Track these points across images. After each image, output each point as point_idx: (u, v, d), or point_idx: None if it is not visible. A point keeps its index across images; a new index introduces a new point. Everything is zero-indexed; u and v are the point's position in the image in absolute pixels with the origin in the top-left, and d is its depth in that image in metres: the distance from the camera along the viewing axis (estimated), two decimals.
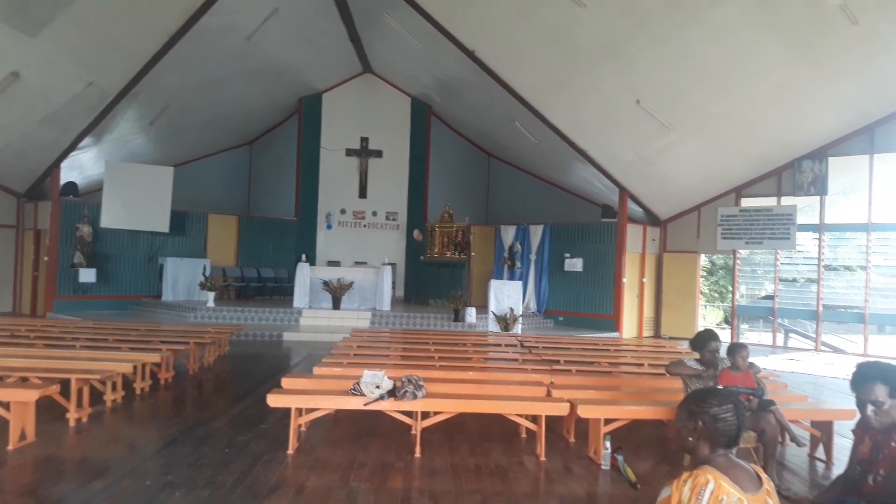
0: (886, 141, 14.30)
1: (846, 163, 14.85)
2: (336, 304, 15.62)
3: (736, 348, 5.61)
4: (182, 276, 16.78)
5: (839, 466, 5.96)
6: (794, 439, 5.60)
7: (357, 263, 18.59)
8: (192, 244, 17.99)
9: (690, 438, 2.06)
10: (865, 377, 3.02)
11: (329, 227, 19.64)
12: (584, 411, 5.87)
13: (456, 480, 5.22)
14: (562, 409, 6.03)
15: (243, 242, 19.03)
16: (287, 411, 5.94)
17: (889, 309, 14.74)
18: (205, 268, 16.70)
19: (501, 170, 20.86)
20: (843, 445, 6.29)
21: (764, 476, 2.08)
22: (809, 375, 11.48)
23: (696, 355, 5.92)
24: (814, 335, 15.56)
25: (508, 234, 17.86)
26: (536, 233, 17.49)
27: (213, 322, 13.81)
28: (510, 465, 5.70)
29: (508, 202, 20.39)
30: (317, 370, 7.21)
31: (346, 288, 15.72)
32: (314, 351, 11.30)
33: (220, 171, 20.47)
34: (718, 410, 2.02)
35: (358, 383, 5.87)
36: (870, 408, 2.98)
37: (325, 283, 15.71)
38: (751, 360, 5.87)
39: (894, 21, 10.80)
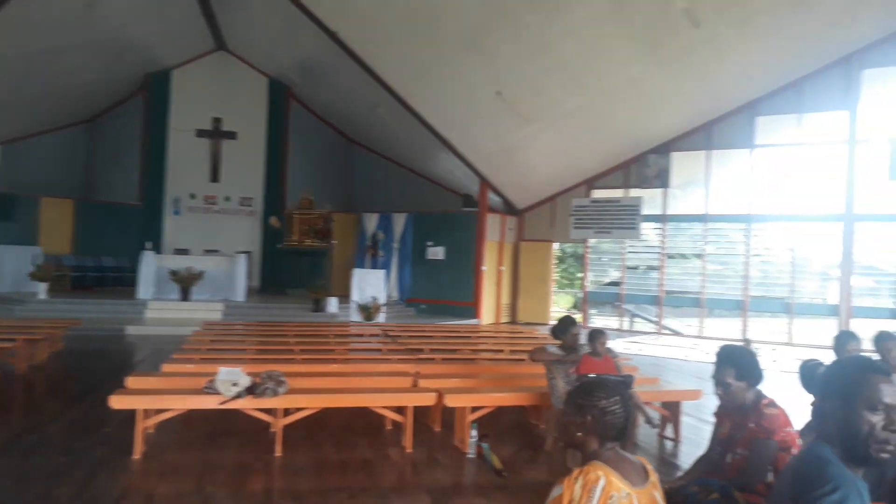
0: (722, 138, 15.51)
1: (687, 158, 15.96)
2: (185, 296, 14.70)
3: (596, 334, 5.78)
4: (8, 266, 15.11)
5: (686, 444, 6.35)
6: (648, 420, 5.87)
7: (208, 252, 17.58)
8: (22, 230, 16.23)
9: (579, 433, 2.00)
10: (720, 360, 3.16)
11: (177, 212, 18.44)
12: (451, 400, 5.84)
13: (320, 478, 5.00)
14: (429, 399, 5.96)
15: (81, 228, 17.43)
16: (132, 413, 5.42)
17: (721, 294, 16.06)
18: (36, 256, 15.12)
19: (364, 156, 20.57)
20: (688, 424, 6.70)
21: (650, 468, 2.08)
22: (653, 357, 12.23)
23: (558, 341, 6.06)
24: (656, 319, 16.68)
25: (371, 221, 17.65)
26: (399, 221, 17.40)
27: (46, 316, 12.51)
28: (376, 458, 5.55)
29: (371, 190, 20.15)
30: (165, 367, 6.67)
31: (196, 278, 14.83)
32: (162, 346, 10.52)
33: (55, 150, 18.59)
34: (607, 403, 1.98)
35: (213, 381, 5.47)
36: (719, 389, 3.11)
37: (173, 273, 14.73)
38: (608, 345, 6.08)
39: (731, 26, 11.68)
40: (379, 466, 5.36)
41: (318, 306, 14.64)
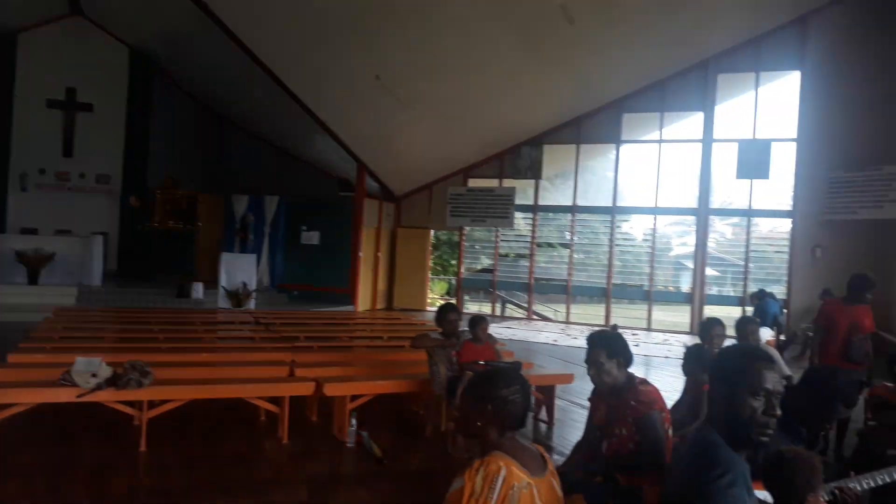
0: (591, 132, 16.19)
1: (558, 151, 16.54)
2: (33, 279, 13.48)
3: (477, 321, 5.85)
4: None
5: (559, 427, 6.58)
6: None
7: (60, 232, 16.17)
8: None
9: (479, 423, 1.98)
10: (591, 342, 3.27)
11: (24, 189, 16.83)
12: (330, 389, 5.71)
13: (189, 474, 4.74)
14: (307, 389, 5.80)
15: None
16: None
17: (586, 281, 16.84)
18: None
19: (235, 136, 19.66)
20: (561, 407, 6.96)
21: (547, 456, 2.09)
22: (525, 342, 12.62)
23: (439, 329, 6.08)
24: (526, 305, 17.23)
25: (241, 204, 16.95)
26: (272, 204, 16.84)
27: None
28: (251, 451, 5.34)
29: (242, 171, 19.28)
30: (11, 358, 6.06)
31: (45, 259, 13.62)
32: (6, 334, 9.57)
33: None
34: (508, 392, 1.97)
35: (68, 372, 5.03)
36: (592, 369, 3.21)
37: (19, 254, 13.45)
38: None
39: (603, 25, 12.19)
40: (253, 460, 5.16)
41: (183, 292, 13.89)
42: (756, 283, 14.34)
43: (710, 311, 15.38)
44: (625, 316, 16.39)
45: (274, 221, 16.78)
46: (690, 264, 15.97)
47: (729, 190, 15.40)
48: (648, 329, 15.49)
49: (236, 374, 6.10)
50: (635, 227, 16.98)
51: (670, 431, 3.14)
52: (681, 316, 16.13)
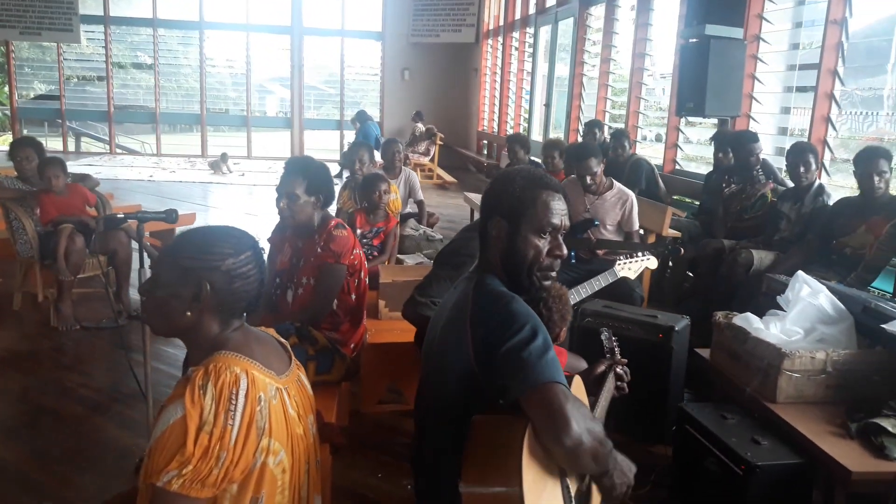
0: None
1: None
2: None
3: (48, 164, 4.44)
4: None
5: None
6: (150, 255, 5.03)
7: None
8: None
9: (188, 313, 1.24)
10: (289, 170, 2.64)
11: None
12: None
13: None
14: None
15: None
16: None
17: (174, 109, 15.17)
18: None
19: None
20: None
21: (286, 343, 1.47)
22: (113, 180, 10.89)
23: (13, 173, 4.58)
24: (107, 137, 14.88)
25: None
26: None
27: None
28: None
29: None
30: None
31: None
32: None
33: None
34: (235, 262, 1.26)
35: None
36: (283, 201, 2.59)
37: None
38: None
39: None
40: None
41: None
42: (351, 107, 14.53)
43: (311, 136, 15.34)
44: (223, 145, 15.32)
45: None
46: (282, 88, 15.45)
47: (321, 9, 14.88)
48: (249, 157, 14.79)
49: None
50: (228, 46, 15.54)
51: (353, 296, 2.73)
52: (281, 142, 15.74)
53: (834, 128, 4.40)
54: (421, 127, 12.28)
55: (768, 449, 2.23)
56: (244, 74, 14.90)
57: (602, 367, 2.00)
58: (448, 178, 11.22)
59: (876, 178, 3.50)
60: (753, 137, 4.45)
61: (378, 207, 4.25)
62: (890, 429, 2.16)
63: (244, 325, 1.39)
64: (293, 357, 1.47)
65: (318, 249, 2.61)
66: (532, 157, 6.23)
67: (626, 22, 7.47)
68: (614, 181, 4.11)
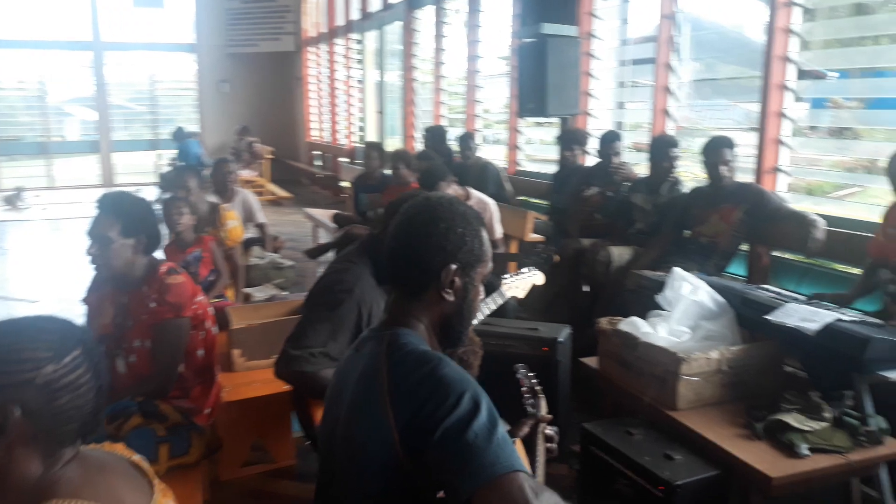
0: None
1: None
2: None
3: None
4: None
5: None
6: None
7: None
8: None
9: None
10: (101, 209, 2.13)
11: None
12: None
13: None
14: None
15: None
16: None
17: None
18: None
19: None
20: None
21: (149, 468, 1.04)
22: None
23: None
24: None
25: None
26: None
27: None
28: None
29: None
30: None
31: None
32: None
33: None
34: (56, 370, 0.82)
35: None
36: (94, 247, 2.08)
37: None
38: None
39: None
40: None
41: None
42: (165, 125, 13.35)
43: (121, 158, 13.98)
44: (19, 176, 13.42)
45: None
46: (85, 108, 13.99)
47: (125, 22, 13.53)
48: (52, 188, 13.11)
49: None
50: (14, 66, 13.75)
51: (202, 352, 2.26)
52: (89, 167, 14.13)
53: (673, 119, 4.51)
54: (248, 141, 11.57)
55: (683, 464, 2.11)
56: (38, 96, 13.27)
57: (526, 429, 1.64)
58: (282, 192, 10.63)
59: (722, 168, 3.58)
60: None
61: (179, 235, 3.61)
62: (794, 424, 2.11)
63: (79, 452, 0.96)
64: (153, 480, 1.06)
65: (151, 304, 2.13)
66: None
67: (456, 25, 7.39)
68: (471, 191, 3.92)
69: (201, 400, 2.25)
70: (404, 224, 1.28)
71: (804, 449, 2.03)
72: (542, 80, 4.84)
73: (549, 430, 1.66)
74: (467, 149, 5.53)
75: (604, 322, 2.76)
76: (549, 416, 1.68)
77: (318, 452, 1.36)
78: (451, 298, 1.27)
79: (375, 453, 1.13)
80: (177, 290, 2.16)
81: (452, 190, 3.76)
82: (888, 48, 3.85)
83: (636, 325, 2.60)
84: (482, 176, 5.28)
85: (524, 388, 1.72)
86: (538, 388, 1.73)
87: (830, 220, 3.28)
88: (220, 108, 13.46)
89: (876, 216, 2.94)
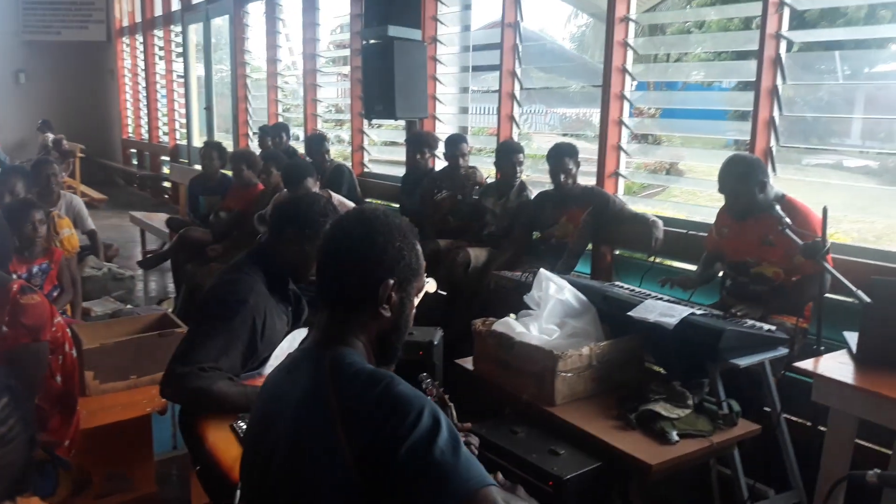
0: None
1: None
2: None
3: None
4: None
5: None
6: None
7: None
8: None
9: None
10: None
11: None
12: None
13: None
14: None
15: None
16: None
17: None
18: None
19: None
20: None
21: None
22: None
23: None
24: None
25: None
26: None
27: None
28: None
29: None
30: None
31: None
32: None
33: None
34: None
35: None
36: None
37: None
38: None
39: None
40: None
41: None
42: None
43: None
44: None
45: None
46: None
47: None
48: None
49: None
50: None
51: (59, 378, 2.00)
52: None
53: (518, 125, 4.69)
54: (50, 138, 10.42)
55: (568, 458, 2.20)
56: None
57: None
58: (96, 195, 9.69)
59: (562, 175, 3.77)
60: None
61: (33, 243, 3.31)
62: (664, 413, 2.28)
63: None
64: None
65: (3, 328, 1.85)
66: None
67: (292, 22, 7.18)
68: (332, 193, 3.83)
69: (61, 431, 2.00)
70: (340, 238, 1.22)
71: (674, 435, 2.20)
72: (390, 83, 4.84)
73: (472, 440, 1.64)
74: (323, 150, 5.39)
75: (478, 323, 2.80)
76: (467, 424, 1.67)
77: (246, 486, 1.25)
78: (387, 314, 1.23)
79: (327, 480, 1.06)
80: (32, 311, 1.90)
81: (317, 188, 3.67)
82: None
83: (511, 326, 2.67)
84: (336, 177, 5.17)
85: (433, 399, 1.68)
86: (446, 396, 1.71)
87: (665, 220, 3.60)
88: (17, 100, 12.00)
89: (684, 214, 3.29)
